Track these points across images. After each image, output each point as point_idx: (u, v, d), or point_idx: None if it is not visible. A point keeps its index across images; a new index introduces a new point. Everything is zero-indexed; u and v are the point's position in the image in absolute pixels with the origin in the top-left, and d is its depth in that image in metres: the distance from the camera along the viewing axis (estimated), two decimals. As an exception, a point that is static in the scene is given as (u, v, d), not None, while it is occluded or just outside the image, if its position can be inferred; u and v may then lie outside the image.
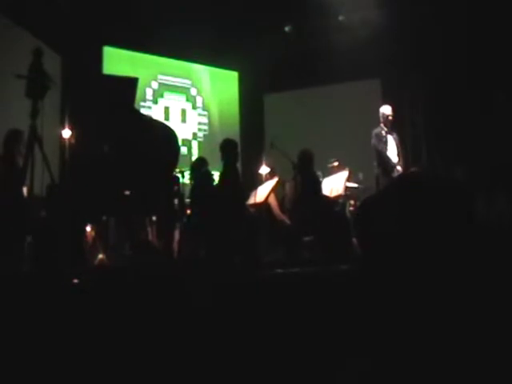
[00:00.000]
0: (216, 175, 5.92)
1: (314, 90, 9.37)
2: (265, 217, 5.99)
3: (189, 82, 9.78)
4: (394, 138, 6.75)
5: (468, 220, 1.96)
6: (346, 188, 6.82)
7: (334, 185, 6.59)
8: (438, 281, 1.84)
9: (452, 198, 2.02)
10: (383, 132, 6.66)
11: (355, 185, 7.29)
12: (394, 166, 6.53)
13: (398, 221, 1.98)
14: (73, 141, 4.88)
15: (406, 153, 6.82)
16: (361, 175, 7.28)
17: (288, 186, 6.47)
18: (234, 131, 9.22)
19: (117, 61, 8.55)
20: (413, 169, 6.23)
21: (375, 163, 6.62)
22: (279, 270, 3.77)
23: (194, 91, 9.84)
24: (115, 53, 8.73)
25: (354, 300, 2.25)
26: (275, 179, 6.65)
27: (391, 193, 2.20)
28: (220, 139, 6.00)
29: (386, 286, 1.93)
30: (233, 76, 10.26)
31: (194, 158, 8.41)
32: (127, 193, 4.30)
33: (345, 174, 6.83)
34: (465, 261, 1.84)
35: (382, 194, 2.40)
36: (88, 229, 4.77)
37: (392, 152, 6.66)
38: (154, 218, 4.98)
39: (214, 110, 9.89)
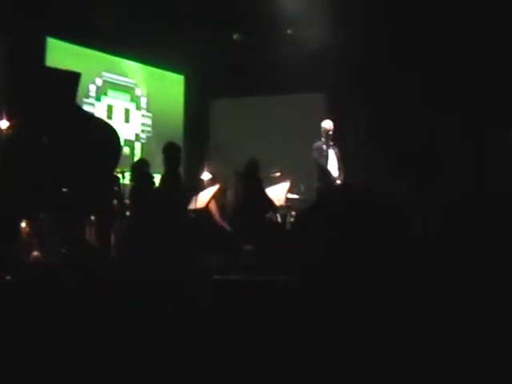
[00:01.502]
0: (157, 178, 5.91)
1: (260, 99, 9.47)
2: (205, 222, 6.01)
3: (133, 81, 9.68)
4: (335, 153, 6.91)
5: (400, 232, 2.04)
6: (287, 199, 6.93)
7: (275, 195, 6.64)
8: (370, 294, 1.92)
9: (384, 210, 2.10)
10: (324, 146, 6.83)
11: (296, 196, 7.35)
12: (334, 179, 6.71)
13: (331, 232, 2.05)
14: (9, 132, 4.89)
15: (346, 167, 7.01)
16: (302, 187, 7.34)
17: (230, 193, 6.58)
18: (177, 135, 9.17)
19: (61, 54, 8.32)
20: (350, 182, 6.38)
21: (316, 176, 6.73)
22: (217, 277, 3.77)
23: (138, 91, 9.77)
24: (59, 45, 8.51)
25: (288, 310, 2.27)
26: (216, 186, 6.67)
27: (326, 204, 2.27)
28: (163, 142, 5.96)
29: (320, 295, 2.00)
30: (179, 79, 10.18)
31: (135, 159, 8.39)
32: (65, 189, 4.24)
33: (286, 184, 6.96)
34: (396, 269, 1.92)
35: (317, 205, 2.44)
36: (23, 224, 4.68)
37: (332, 166, 6.83)
38: (92, 218, 4.94)
39: (159, 112, 9.84)
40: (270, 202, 6.22)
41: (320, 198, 3.33)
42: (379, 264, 1.93)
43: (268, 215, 6.30)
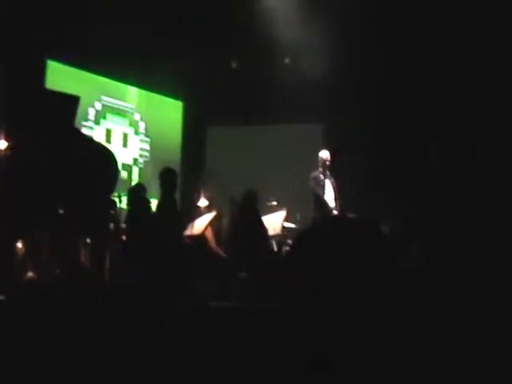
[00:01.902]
0: (154, 203, 5.92)
1: (257, 128, 9.50)
2: (201, 249, 6.02)
3: (132, 106, 9.71)
4: (332, 183, 6.87)
5: (384, 265, 2.15)
6: (283, 228, 6.92)
7: (271, 224, 6.61)
8: (355, 322, 2.00)
9: (369, 243, 2.21)
10: (321, 176, 6.80)
11: (292, 225, 7.31)
12: (330, 210, 6.67)
13: (322, 261, 2.13)
14: (7, 152, 4.84)
15: (342, 198, 6.94)
16: (298, 216, 7.31)
17: (225, 220, 6.65)
18: (174, 160, 9.16)
19: (60, 76, 8.36)
20: (349, 214, 6.24)
21: (312, 206, 6.68)
22: (211, 303, 3.84)
23: (137, 116, 9.80)
24: (59, 68, 8.54)
25: (274, 338, 2.34)
26: (213, 213, 6.71)
27: (319, 234, 2.36)
28: (160, 167, 5.97)
29: (305, 323, 2.07)
30: (177, 105, 10.25)
31: (133, 184, 8.45)
32: (61, 211, 4.29)
33: (282, 213, 6.94)
34: (379, 300, 2.01)
35: (310, 234, 2.50)
36: (19, 245, 4.65)
37: (329, 196, 6.78)
38: (87, 240, 4.89)
39: (157, 136, 9.89)
40: (266, 232, 6.19)
41: (314, 228, 3.30)
42: (364, 296, 2.03)
43: (264, 244, 6.22)
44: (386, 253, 2.26)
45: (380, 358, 1.99)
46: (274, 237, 6.74)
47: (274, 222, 6.74)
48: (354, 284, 2.09)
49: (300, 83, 8.43)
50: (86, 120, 8.89)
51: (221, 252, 6.29)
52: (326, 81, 8.30)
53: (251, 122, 9.42)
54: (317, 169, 6.85)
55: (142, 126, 9.82)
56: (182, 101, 10.17)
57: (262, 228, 6.10)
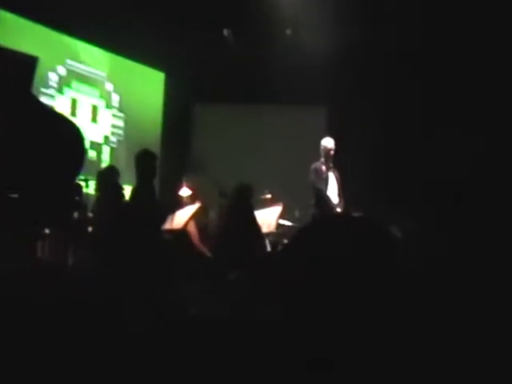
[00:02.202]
0: (128, 190, 5.74)
1: (251, 107, 9.19)
2: (182, 245, 5.99)
3: (104, 74, 9.15)
4: (336, 176, 6.74)
5: (394, 273, 2.23)
6: (279, 225, 6.84)
7: (265, 220, 6.53)
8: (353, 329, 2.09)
9: (377, 247, 2.27)
10: (323, 168, 6.65)
11: (289, 223, 7.18)
12: (333, 207, 6.53)
13: (321, 264, 2.20)
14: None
15: (347, 193, 6.86)
16: (297, 213, 7.19)
17: (212, 214, 6.58)
18: (154, 142, 8.85)
19: (15, 31, 7.50)
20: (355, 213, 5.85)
21: (313, 201, 6.55)
22: (193, 311, 3.71)
23: (109, 86, 9.26)
24: (14, 21, 7.66)
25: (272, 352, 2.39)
26: (197, 205, 6.54)
27: (320, 233, 2.41)
28: (136, 148, 5.74)
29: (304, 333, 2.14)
30: (158, 77, 9.77)
31: (103, 166, 8.11)
32: (14, 195, 4.05)
33: (278, 209, 6.80)
34: (383, 303, 2.10)
35: (310, 233, 2.55)
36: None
37: (332, 191, 6.65)
38: (47, 231, 4.68)
39: (133, 113, 9.37)
40: (259, 230, 6.10)
41: (313, 226, 3.25)
42: (371, 305, 2.12)
43: (258, 243, 6.11)
44: (396, 259, 2.34)
45: (385, 364, 2.10)
46: (268, 235, 6.62)
47: (268, 218, 6.65)
48: (358, 292, 2.16)
49: (302, 58, 8.24)
50: (47, 87, 8.27)
51: (205, 250, 6.21)
52: (331, 54, 8.13)
53: (244, 101, 9.08)
54: (319, 159, 6.73)
55: (115, 98, 9.32)
56: (164, 72, 9.69)
57: (256, 226, 5.99)
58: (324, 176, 6.62)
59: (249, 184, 5.99)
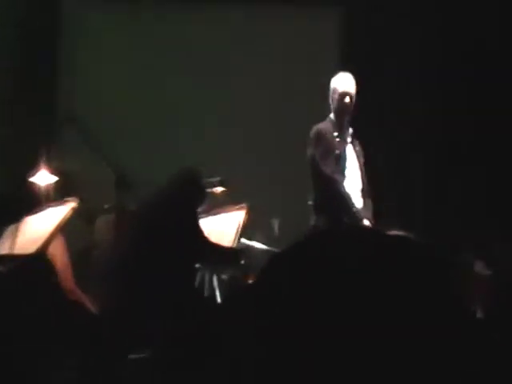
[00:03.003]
0: None
1: (195, 6, 8.12)
2: (38, 287, 5.70)
3: None
4: (357, 152, 6.02)
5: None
6: (239, 245, 6.26)
7: (217, 233, 6.18)
8: None
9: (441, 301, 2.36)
10: (335, 133, 5.89)
11: (259, 244, 6.39)
12: (355, 212, 5.79)
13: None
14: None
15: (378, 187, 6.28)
16: (276, 223, 6.69)
17: (101, 224, 6.33)
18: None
19: None
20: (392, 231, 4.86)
21: (310, 201, 5.86)
22: None
23: None
24: None
25: None
26: (71, 204, 5.72)
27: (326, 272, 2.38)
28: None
29: None
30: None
31: None
32: None
33: (238, 216, 6.19)
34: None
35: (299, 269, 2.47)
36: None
37: (352, 180, 5.92)
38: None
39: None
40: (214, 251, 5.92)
41: (314, 254, 2.70)
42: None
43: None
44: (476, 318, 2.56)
45: None
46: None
47: (225, 230, 6.24)
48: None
49: None
50: None
51: (84, 297, 5.77)
52: None
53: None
54: (324, 117, 6.01)
55: None
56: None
57: (204, 245, 5.81)
58: (335, 150, 5.87)
59: (193, 169, 5.78)
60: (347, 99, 5.88)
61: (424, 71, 8.25)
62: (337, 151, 5.79)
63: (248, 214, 6.05)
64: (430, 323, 2.33)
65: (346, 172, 5.87)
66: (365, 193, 6.01)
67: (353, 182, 5.91)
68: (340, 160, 5.88)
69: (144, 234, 5.78)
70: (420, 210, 6.96)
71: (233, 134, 7.68)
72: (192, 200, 5.73)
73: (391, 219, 6.01)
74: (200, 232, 5.74)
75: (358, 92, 6.07)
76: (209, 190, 6.16)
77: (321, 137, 5.83)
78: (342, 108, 5.89)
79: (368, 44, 8.03)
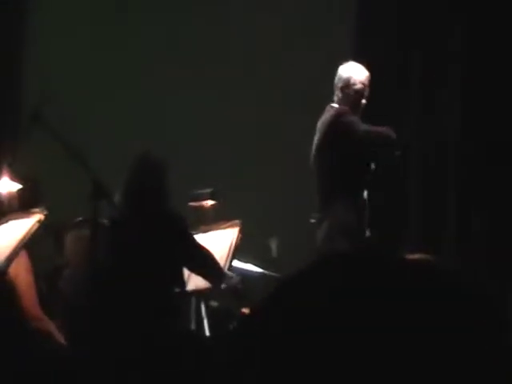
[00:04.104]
0: None
1: None
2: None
3: None
4: None
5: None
6: (231, 269, 5.87)
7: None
8: None
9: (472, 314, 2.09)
10: None
11: (255, 268, 6.14)
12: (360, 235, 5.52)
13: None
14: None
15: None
16: (274, 243, 6.34)
17: (72, 241, 6.04)
18: None
19: None
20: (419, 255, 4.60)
21: (315, 215, 5.58)
22: None
23: None
24: None
25: None
26: (37, 216, 5.55)
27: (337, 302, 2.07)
28: None
29: None
30: None
31: None
32: None
33: (232, 233, 5.81)
34: None
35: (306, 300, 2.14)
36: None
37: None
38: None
39: None
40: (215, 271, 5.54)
41: (324, 281, 2.28)
42: None
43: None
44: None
45: None
46: (201, 293, 5.88)
47: (216, 249, 5.81)
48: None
49: None
50: None
51: (49, 324, 5.50)
52: None
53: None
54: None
55: None
56: None
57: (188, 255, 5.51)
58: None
59: (155, 158, 5.53)
60: (363, 90, 5.76)
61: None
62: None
63: (242, 231, 5.67)
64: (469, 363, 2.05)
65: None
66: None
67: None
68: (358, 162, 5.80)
69: (122, 251, 5.60)
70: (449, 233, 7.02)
71: (226, 141, 7.40)
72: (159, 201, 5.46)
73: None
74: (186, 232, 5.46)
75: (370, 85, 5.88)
76: (197, 204, 6.00)
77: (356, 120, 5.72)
78: (353, 102, 5.78)
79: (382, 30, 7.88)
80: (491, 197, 7.50)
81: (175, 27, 7.91)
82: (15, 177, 5.73)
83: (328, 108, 5.70)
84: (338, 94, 5.67)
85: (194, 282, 5.69)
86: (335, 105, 5.66)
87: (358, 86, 5.68)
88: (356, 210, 5.69)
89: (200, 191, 6.07)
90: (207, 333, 5.92)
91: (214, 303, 6.12)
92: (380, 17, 7.79)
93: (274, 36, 7.85)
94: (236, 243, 5.62)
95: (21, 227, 5.47)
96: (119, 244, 5.67)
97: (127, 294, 5.46)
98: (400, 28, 7.97)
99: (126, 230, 5.56)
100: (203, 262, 5.51)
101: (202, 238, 5.56)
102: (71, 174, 5.73)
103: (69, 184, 6.28)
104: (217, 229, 5.78)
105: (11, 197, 5.88)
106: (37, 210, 5.44)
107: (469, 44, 7.78)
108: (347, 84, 5.63)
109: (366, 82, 5.72)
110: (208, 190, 6.02)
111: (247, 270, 6.09)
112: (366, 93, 5.69)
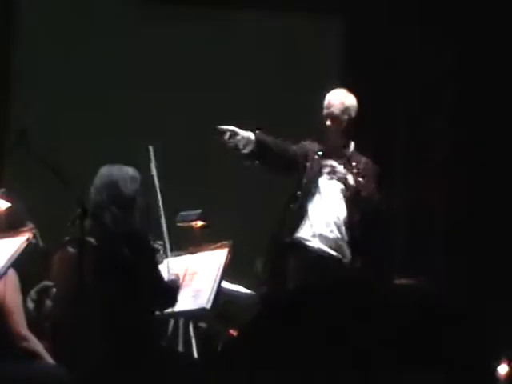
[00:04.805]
0: None
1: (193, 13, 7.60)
2: None
3: None
4: (348, 185, 5.75)
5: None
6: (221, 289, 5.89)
7: (194, 274, 5.99)
8: None
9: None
10: (315, 157, 5.96)
11: (242, 288, 6.15)
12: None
13: None
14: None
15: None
16: (259, 263, 6.20)
17: (59, 259, 5.82)
18: None
19: None
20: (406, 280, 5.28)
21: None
22: None
23: None
24: None
25: None
26: (23, 237, 5.55)
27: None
28: None
29: None
30: None
31: None
32: None
33: (221, 254, 5.80)
34: None
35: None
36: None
37: (328, 214, 5.74)
38: None
39: None
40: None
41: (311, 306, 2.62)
42: None
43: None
44: None
45: None
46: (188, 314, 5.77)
47: (199, 273, 6.00)
48: None
49: None
50: None
51: (37, 345, 5.31)
52: None
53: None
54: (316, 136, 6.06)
55: None
56: None
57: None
58: (311, 181, 5.85)
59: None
60: (328, 122, 5.87)
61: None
62: (311, 181, 5.96)
63: (231, 252, 5.67)
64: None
65: (321, 201, 5.85)
66: (352, 240, 5.81)
67: (327, 214, 5.81)
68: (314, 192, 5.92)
69: (110, 271, 5.37)
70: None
71: (217, 157, 7.00)
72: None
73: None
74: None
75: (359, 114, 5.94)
76: (186, 225, 5.98)
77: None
78: (323, 129, 5.94)
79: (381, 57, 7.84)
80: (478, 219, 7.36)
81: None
82: (3, 195, 5.68)
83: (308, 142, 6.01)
84: (321, 120, 5.93)
85: (182, 303, 5.52)
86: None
87: (324, 114, 5.89)
88: None
89: (190, 212, 6.11)
90: (195, 354, 5.93)
91: (202, 324, 6.09)
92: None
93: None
94: (225, 264, 5.63)
95: (9, 246, 5.42)
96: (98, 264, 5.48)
97: (105, 316, 5.27)
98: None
99: (101, 251, 5.49)
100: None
101: (190, 259, 5.70)
102: (57, 195, 5.52)
103: (56, 206, 6.27)
104: (206, 250, 5.77)
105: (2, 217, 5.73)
106: (25, 228, 5.47)
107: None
108: (327, 111, 5.92)
109: (332, 110, 5.94)
110: (197, 211, 6.08)
111: (235, 291, 6.10)
112: (329, 122, 5.88)
